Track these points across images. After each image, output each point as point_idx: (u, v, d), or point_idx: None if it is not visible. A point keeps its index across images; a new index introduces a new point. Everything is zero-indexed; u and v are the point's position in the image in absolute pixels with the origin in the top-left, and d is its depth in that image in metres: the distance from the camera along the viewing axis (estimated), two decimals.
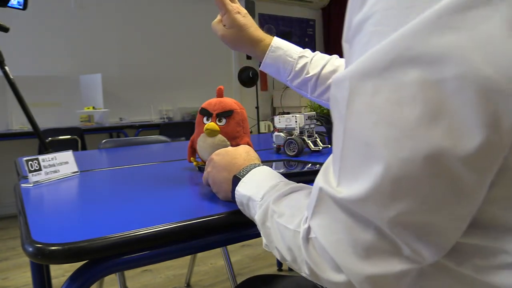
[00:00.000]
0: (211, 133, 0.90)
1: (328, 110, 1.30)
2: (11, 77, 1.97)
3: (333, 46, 5.33)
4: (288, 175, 0.68)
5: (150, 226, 0.55)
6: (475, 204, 0.34)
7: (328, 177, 0.39)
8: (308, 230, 0.41)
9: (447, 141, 0.30)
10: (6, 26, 1.99)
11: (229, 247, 2.14)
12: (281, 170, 0.88)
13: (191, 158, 0.99)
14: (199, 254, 2.21)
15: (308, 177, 0.76)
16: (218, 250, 2.08)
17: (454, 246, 0.36)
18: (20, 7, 2.03)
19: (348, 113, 0.35)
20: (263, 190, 0.54)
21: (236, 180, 0.60)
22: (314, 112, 1.23)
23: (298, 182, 0.58)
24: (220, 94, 0.95)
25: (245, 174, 0.59)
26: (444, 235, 0.35)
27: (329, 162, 0.41)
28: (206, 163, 0.71)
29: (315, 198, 0.40)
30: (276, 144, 1.21)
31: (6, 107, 3.26)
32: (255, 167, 0.61)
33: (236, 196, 0.59)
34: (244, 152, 0.66)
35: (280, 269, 2.10)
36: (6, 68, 1.98)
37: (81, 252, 0.49)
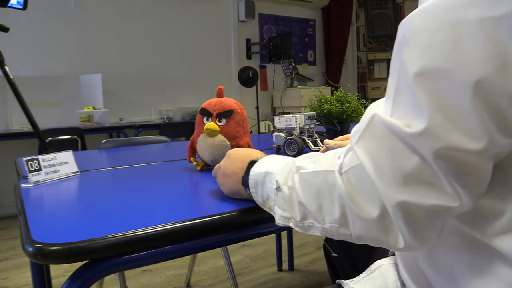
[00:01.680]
0: (211, 133, 0.90)
1: (328, 110, 1.29)
2: (11, 77, 1.97)
3: (333, 46, 5.33)
4: None
5: (150, 226, 0.55)
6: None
7: (381, 107, 0.41)
8: (347, 162, 0.43)
9: (499, 74, 0.33)
10: (6, 26, 1.99)
11: (229, 247, 2.14)
12: None
13: (191, 158, 0.99)
14: (199, 254, 2.21)
15: None
16: (218, 250, 2.08)
17: (471, 210, 0.39)
18: (20, 7, 2.03)
19: (405, 49, 0.38)
20: (283, 164, 0.55)
21: (251, 163, 0.61)
22: (314, 112, 1.23)
23: None
24: (220, 94, 0.94)
25: (260, 158, 0.62)
26: (479, 177, 0.37)
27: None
28: (224, 158, 0.70)
29: (365, 123, 0.41)
30: (276, 144, 1.21)
31: (6, 107, 3.25)
32: (270, 155, 0.63)
33: (250, 176, 0.60)
34: (259, 151, 0.67)
35: (280, 269, 2.10)
36: (6, 68, 1.98)
37: (81, 252, 0.49)
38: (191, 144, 0.97)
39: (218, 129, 0.90)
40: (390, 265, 0.62)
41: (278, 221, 0.54)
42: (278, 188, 0.53)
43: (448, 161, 0.36)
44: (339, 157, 0.44)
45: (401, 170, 0.38)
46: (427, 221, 0.39)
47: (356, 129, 0.43)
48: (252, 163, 0.61)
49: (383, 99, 0.43)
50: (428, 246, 0.41)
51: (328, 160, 0.46)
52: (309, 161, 0.50)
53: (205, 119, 0.92)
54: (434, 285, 0.47)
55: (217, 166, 0.71)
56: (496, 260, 0.39)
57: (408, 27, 0.39)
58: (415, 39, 0.37)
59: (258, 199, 0.60)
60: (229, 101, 0.92)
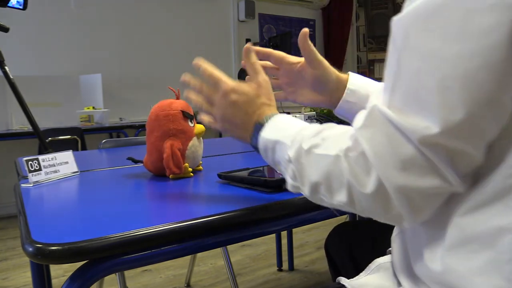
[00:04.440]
0: (202, 132, 0.94)
1: (328, 110, 1.30)
2: (11, 77, 1.97)
3: (333, 46, 5.33)
4: None
5: (150, 226, 0.55)
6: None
7: (380, 98, 0.44)
8: (352, 146, 0.46)
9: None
10: (6, 26, 1.99)
11: (229, 247, 2.14)
12: None
13: (187, 167, 0.91)
14: (199, 254, 2.21)
15: None
16: (218, 250, 2.08)
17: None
18: (20, 7, 2.03)
19: (403, 45, 0.41)
20: (292, 132, 0.56)
21: (258, 126, 0.61)
22: (314, 112, 1.23)
23: None
24: (178, 96, 0.97)
25: (267, 120, 0.60)
26: (470, 160, 0.41)
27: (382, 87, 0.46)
28: (221, 95, 0.65)
29: (367, 113, 0.45)
30: None
31: (6, 107, 3.25)
32: (277, 115, 0.62)
33: (260, 141, 0.60)
34: (262, 95, 0.64)
35: (280, 269, 2.10)
36: (6, 68, 1.98)
37: (81, 252, 0.49)
38: (175, 153, 0.88)
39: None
40: (388, 264, 0.62)
41: (290, 188, 0.56)
42: (289, 161, 0.54)
43: (437, 148, 0.40)
44: (349, 138, 0.47)
45: (398, 156, 0.41)
46: (425, 203, 0.43)
47: (359, 117, 0.46)
48: (258, 124, 0.61)
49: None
50: (423, 220, 0.45)
51: (339, 141, 0.48)
52: (320, 139, 0.51)
53: (189, 122, 0.93)
54: (424, 280, 0.48)
55: (218, 108, 0.66)
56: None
57: (404, 24, 0.42)
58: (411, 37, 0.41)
59: (268, 161, 0.61)
60: (179, 100, 0.95)
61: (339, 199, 0.48)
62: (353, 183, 0.45)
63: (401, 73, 0.42)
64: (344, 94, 0.75)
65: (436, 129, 0.39)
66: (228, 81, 0.65)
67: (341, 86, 0.76)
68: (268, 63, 0.79)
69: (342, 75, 0.77)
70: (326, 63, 0.76)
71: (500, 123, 0.40)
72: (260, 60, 0.73)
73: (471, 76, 0.37)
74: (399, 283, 0.54)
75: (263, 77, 0.66)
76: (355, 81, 0.76)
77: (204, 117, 0.69)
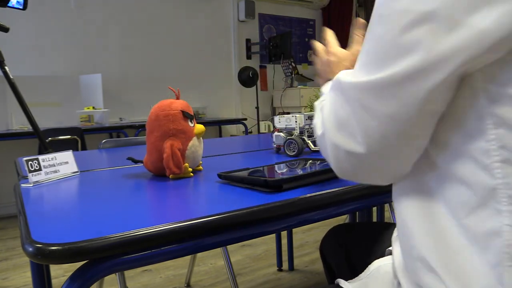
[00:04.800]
0: (202, 132, 0.95)
1: None
2: (11, 77, 1.97)
3: None
4: (306, 176, 0.70)
5: (150, 226, 0.55)
6: None
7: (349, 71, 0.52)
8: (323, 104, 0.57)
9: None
10: (6, 26, 1.99)
11: (229, 247, 2.14)
12: (284, 170, 0.88)
13: (188, 167, 0.92)
14: (199, 254, 2.21)
15: (327, 175, 0.80)
16: (218, 250, 2.08)
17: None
18: (20, 7, 2.03)
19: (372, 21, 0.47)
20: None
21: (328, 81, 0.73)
22: (314, 112, 1.23)
23: (317, 182, 0.76)
24: (178, 96, 0.98)
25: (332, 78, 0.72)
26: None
27: None
28: (325, 53, 0.81)
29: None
30: (276, 144, 1.21)
31: (6, 107, 3.25)
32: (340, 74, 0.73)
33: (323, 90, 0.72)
34: (349, 61, 0.77)
35: (280, 269, 2.10)
36: (6, 68, 1.98)
37: (81, 252, 0.49)
38: (175, 153, 0.88)
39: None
40: (388, 265, 0.62)
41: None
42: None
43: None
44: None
45: (337, 117, 0.50)
46: (346, 159, 0.51)
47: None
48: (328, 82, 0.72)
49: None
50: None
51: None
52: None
53: (189, 122, 0.93)
54: (425, 282, 0.47)
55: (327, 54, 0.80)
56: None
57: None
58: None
59: None
60: (179, 100, 0.96)
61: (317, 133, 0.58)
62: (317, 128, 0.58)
63: (365, 42, 0.48)
64: None
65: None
66: (334, 45, 0.81)
67: None
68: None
69: None
70: None
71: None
72: None
73: None
74: (399, 284, 0.54)
75: (358, 48, 0.78)
76: None
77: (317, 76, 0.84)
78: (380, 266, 0.63)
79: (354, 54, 0.77)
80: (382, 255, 0.67)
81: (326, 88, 0.68)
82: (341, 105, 0.49)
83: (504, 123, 0.39)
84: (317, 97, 1.44)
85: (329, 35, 0.83)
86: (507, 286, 0.40)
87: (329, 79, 0.72)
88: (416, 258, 0.48)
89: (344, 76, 0.49)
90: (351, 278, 0.65)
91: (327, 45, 0.82)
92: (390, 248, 0.61)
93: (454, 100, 0.43)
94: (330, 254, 0.95)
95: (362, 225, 1.00)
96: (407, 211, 0.49)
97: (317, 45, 0.85)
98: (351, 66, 0.75)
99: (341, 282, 0.64)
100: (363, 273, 0.64)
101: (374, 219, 1.89)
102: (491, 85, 0.40)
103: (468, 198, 0.42)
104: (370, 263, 0.65)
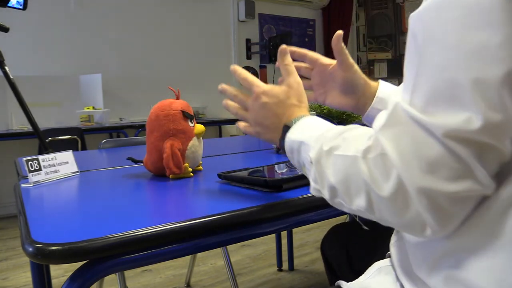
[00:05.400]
0: (202, 132, 0.95)
1: (328, 110, 1.29)
2: (11, 77, 1.97)
3: None
4: (306, 176, 0.70)
5: (150, 226, 0.55)
6: None
7: (402, 96, 0.43)
8: (372, 146, 0.43)
9: None
10: (6, 26, 1.99)
11: (229, 247, 2.14)
12: (284, 170, 0.88)
13: (188, 167, 0.91)
14: (199, 254, 2.20)
15: None
16: (218, 250, 2.08)
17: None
18: (20, 7, 2.03)
19: (425, 40, 0.40)
20: (317, 133, 0.55)
21: (286, 128, 0.60)
22: (314, 112, 1.23)
23: None
24: (178, 96, 0.97)
25: (295, 122, 0.60)
26: (499, 158, 0.38)
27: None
28: (253, 98, 0.66)
29: (389, 112, 0.43)
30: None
31: (6, 107, 3.25)
32: (305, 117, 0.61)
33: (286, 142, 0.60)
34: (293, 97, 0.64)
35: (280, 269, 2.10)
36: (6, 68, 1.98)
37: (81, 252, 0.49)
38: (175, 153, 0.88)
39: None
40: (389, 267, 0.61)
41: (312, 191, 0.55)
42: (311, 162, 0.53)
43: (468, 145, 0.37)
44: (368, 138, 0.45)
45: (424, 157, 0.39)
46: (454, 208, 0.39)
47: (380, 116, 0.44)
48: (286, 127, 0.61)
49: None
50: (452, 230, 0.42)
51: (358, 141, 0.47)
52: (341, 139, 0.50)
53: (189, 122, 0.93)
54: (428, 283, 0.47)
55: (251, 112, 0.67)
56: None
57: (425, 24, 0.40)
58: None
59: (294, 163, 0.60)
60: (179, 100, 0.96)
61: (357, 203, 0.46)
62: (371, 186, 0.42)
63: (425, 69, 0.40)
64: (373, 102, 0.74)
65: (478, 124, 0.36)
66: (261, 85, 0.66)
67: (368, 92, 0.76)
68: (302, 64, 0.79)
69: (370, 82, 0.77)
70: (356, 67, 0.76)
71: None
72: (295, 60, 0.73)
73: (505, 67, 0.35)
74: (402, 286, 0.54)
75: (295, 78, 0.66)
76: (385, 89, 0.76)
77: (240, 123, 0.69)
78: (381, 268, 0.63)
79: (292, 87, 0.65)
80: (382, 255, 0.66)
81: (309, 132, 0.57)
82: (427, 145, 0.39)
83: None
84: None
85: (243, 72, 0.70)
86: None
87: (285, 125, 0.61)
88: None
89: (424, 115, 0.39)
90: (352, 277, 0.64)
91: (249, 85, 0.67)
92: (389, 252, 0.60)
93: None
94: (330, 253, 0.94)
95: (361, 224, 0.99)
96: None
97: (228, 89, 0.71)
98: (299, 102, 0.64)
99: (342, 283, 0.64)
100: (363, 275, 0.64)
101: None
102: None
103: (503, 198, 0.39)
104: (370, 262, 0.65)
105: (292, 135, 0.59)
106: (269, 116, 0.63)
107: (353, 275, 0.66)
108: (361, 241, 0.88)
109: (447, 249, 0.44)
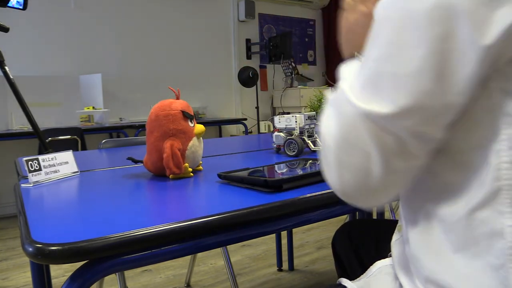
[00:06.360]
0: (202, 132, 0.95)
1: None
2: (11, 77, 1.97)
3: (333, 46, 5.32)
4: (306, 176, 0.73)
5: (150, 226, 0.55)
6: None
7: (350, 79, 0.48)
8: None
9: None
10: (6, 26, 1.99)
11: (229, 247, 2.14)
12: (284, 170, 0.88)
13: (188, 167, 0.92)
14: (199, 254, 2.21)
15: None
16: (218, 250, 2.08)
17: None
18: (20, 7, 2.03)
19: (373, 32, 0.43)
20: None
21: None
22: (314, 112, 1.23)
23: (318, 182, 0.74)
24: (178, 96, 0.97)
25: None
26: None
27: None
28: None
29: (335, 93, 0.49)
30: (276, 144, 1.21)
31: (6, 107, 3.25)
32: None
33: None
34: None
35: (280, 269, 2.10)
36: (6, 68, 1.98)
37: (81, 252, 0.49)
38: (175, 153, 0.88)
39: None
40: (390, 266, 0.62)
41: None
42: None
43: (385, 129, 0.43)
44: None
45: (347, 135, 0.45)
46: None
47: (342, 73, 0.52)
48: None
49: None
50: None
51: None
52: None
53: (189, 122, 0.93)
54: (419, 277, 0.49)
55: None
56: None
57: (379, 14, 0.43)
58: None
59: None
60: (179, 100, 0.96)
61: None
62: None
63: (367, 59, 0.44)
64: None
65: (393, 109, 0.41)
66: None
67: None
68: None
69: None
70: None
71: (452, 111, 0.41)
72: None
73: (421, 69, 0.39)
74: (400, 286, 0.54)
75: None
76: None
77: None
78: (382, 267, 0.64)
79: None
80: (385, 255, 0.67)
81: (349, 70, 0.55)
82: (353, 125, 0.44)
83: None
84: (317, 97, 1.44)
85: None
86: None
87: (353, 55, 0.59)
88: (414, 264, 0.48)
89: (352, 94, 0.44)
90: (361, 274, 0.65)
91: None
92: (391, 252, 0.61)
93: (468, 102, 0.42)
94: (341, 250, 0.95)
95: (373, 223, 1.00)
96: (406, 213, 0.50)
97: None
98: None
99: (343, 281, 0.64)
100: (364, 274, 0.65)
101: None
102: (506, 84, 0.39)
103: (469, 199, 0.42)
104: (378, 260, 0.66)
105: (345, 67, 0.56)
106: (356, 37, 0.59)
107: (362, 272, 0.66)
108: (371, 240, 0.89)
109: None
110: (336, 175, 0.48)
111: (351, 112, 0.44)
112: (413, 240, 0.49)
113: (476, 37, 0.37)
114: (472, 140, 0.42)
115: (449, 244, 0.43)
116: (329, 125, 0.48)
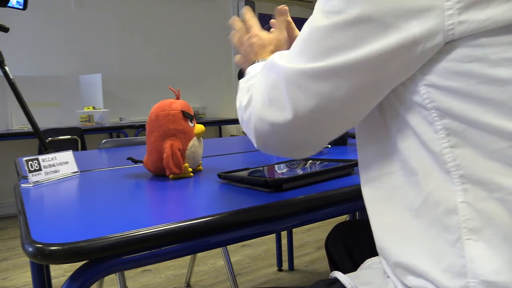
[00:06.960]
0: (202, 132, 0.95)
1: None
2: (11, 77, 1.97)
3: None
4: (306, 176, 0.75)
5: (150, 226, 0.55)
6: None
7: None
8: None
9: None
10: (6, 26, 1.99)
11: (229, 247, 2.14)
12: (284, 170, 0.88)
13: (188, 167, 0.92)
14: (199, 254, 2.21)
15: (327, 175, 0.80)
16: (218, 250, 2.08)
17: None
18: (20, 7, 2.03)
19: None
20: (255, 72, 0.70)
21: (253, 63, 0.76)
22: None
23: (317, 182, 0.77)
24: (178, 96, 0.97)
25: (258, 61, 0.75)
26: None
27: None
28: (248, 36, 0.79)
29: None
30: None
31: (6, 107, 3.25)
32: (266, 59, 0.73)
33: (246, 72, 0.75)
34: (274, 46, 0.78)
35: (280, 269, 2.10)
36: (6, 68, 1.98)
37: (81, 252, 0.49)
38: (175, 153, 0.88)
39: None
40: (379, 263, 0.65)
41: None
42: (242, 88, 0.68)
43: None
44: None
45: (269, 95, 0.54)
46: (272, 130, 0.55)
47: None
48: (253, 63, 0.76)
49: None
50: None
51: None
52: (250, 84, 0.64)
53: (189, 122, 0.93)
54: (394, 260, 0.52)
55: (248, 36, 0.80)
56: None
57: None
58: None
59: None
60: (179, 100, 0.96)
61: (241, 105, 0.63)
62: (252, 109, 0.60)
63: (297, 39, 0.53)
64: None
65: (310, 72, 0.48)
66: (257, 29, 0.79)
67: None
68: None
69: None
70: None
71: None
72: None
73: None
74: (387, 276, 0.57)
75: (284, 35, 0.79)
76: None
77: (236, 56, 0.83)
78: (372, 263, 0.67)
79: (279, 40, 0.78)
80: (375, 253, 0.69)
81: (254, 69, 0.72)
82: (275, 85, 0.53)
83: (446, 114, 0.43)
84: None
85: (250, 16, 0.81)
86: (469, 259, 0.43)
87: (253, 62, 0.75)
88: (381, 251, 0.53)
89: (280, 59, 0.53)
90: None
91: (249, 27, 0.80)
92: None
93: (398, 93, 0.47)
94: (334, 250, 0.96)
95: (365, 223, 1.01)
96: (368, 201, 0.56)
97: (237, 22, 0.83)
98: (275, 50, 0.76)
99: (336, 273, 0.65)
100: (357, 270, 0.67)
101: None
102: (430, 76, 0.43)
103: (424, 185, 0.46)
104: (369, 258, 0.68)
105: (250, 68, 0.74)
106: (251, 52, 0.78)
107: (354, 270, 0.68)
108: (363, 239, 0.89)
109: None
110: (255, 126, 0.58)
111: (279, 70, 0.52)
112: (379, 229, 0.55)
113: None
114: (412, 139, 0.47)
115: (415, 229, 0.48)
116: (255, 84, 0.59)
